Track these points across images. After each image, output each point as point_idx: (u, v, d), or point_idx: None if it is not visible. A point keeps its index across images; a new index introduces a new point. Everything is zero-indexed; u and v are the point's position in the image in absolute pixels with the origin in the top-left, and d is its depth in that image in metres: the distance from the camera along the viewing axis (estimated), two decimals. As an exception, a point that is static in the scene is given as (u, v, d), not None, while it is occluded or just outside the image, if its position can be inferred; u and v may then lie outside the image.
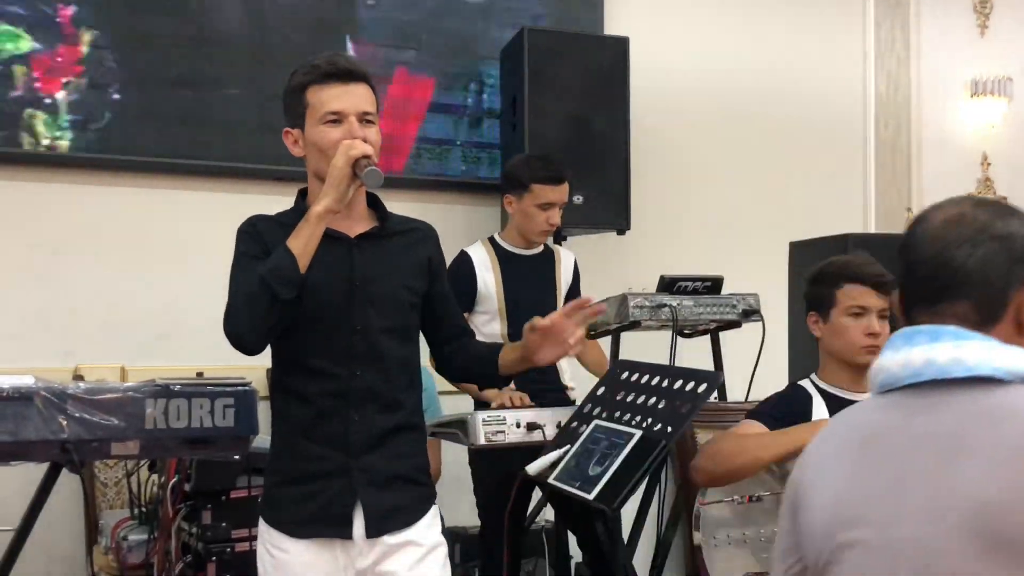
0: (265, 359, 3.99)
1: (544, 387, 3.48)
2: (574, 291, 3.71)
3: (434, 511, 2.30)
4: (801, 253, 3.96)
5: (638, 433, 2.35)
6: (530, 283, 3.56)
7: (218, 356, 3.93)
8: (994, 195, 5.62)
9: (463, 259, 3.61)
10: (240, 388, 2.49)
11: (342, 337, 2.20)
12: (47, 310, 3.85)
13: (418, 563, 2.21)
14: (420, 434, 2.34)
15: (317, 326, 2.19)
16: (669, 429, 2.31)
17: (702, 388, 2.36)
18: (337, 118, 2.17)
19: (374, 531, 2.17)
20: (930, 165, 5.48)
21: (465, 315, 3.48)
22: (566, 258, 3.76)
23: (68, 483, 2.44)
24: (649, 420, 2.40)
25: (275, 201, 4.03)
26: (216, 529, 3.01)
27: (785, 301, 3.94)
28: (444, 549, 2.30)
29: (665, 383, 2.48)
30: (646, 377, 2.56)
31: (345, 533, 2.17)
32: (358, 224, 2.27)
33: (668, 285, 3.09)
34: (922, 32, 5.47)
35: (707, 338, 3.53)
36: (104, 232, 3.96)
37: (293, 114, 2.24)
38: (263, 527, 2.25)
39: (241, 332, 2.12)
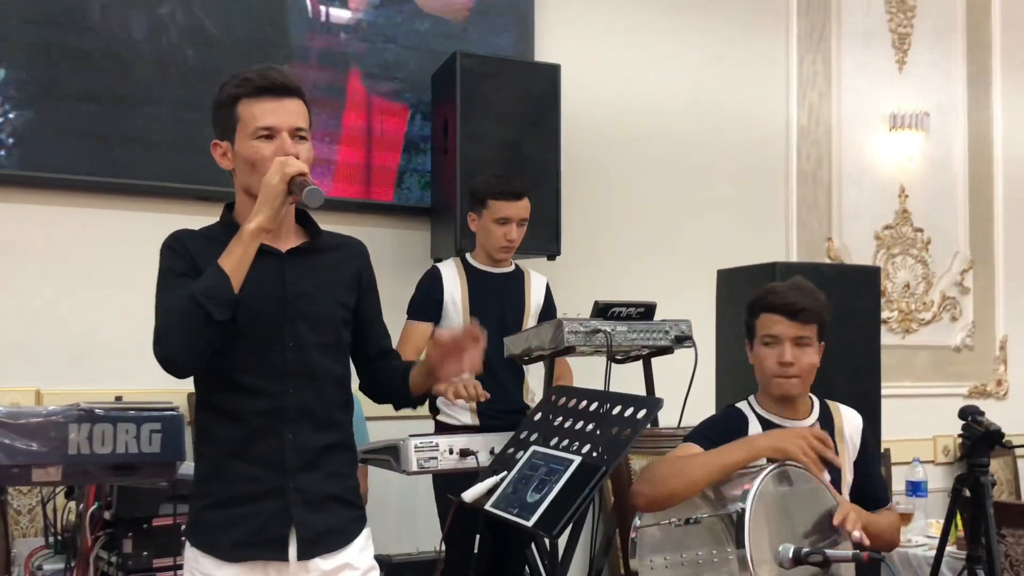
0: (188, 383, 3.95)
1: (502, 408, 3.48)
2: (547, 313, 3.76)
3: (367, 533, 2.25)
4: (729, 281, 4.01)
5: (577, 459, 2.34)
6: (497, 301, 3.59)
7: (137, 380, 3.89)
8: (911, 226, 5.77)
9: (433, 273, 3.68)
10: (167, 413, 2.43)
11: (275, 354, 2.13)
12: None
13: None
14: (353, 454, 2.28)
15: (248, 343, 2.11)
16: (608, 455, 2.29)
17: (641, 414, 2.35)
18: (269, 133, 2.11)
19: (307, 553, 2.12)
20: (850, 196, 5.59)
21: (432, 326, 3.53)
22: (536, 280, 3.80)
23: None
24: (588, 446, 2.39)
25: (198, 220, 3.87)
26: (138, 558, 2.92)
27: (713, 328, 3.98)
28: (377, 573, 2.26)
29: (604, 409, 2.47)
30: (584, 403, 2.54)
31: (280, 555, 2.10)
32: (288, 239, 2.21)
33: (602, 311, 3.09)
34: (843, 67, 5.59)
35: (638, 364, 3.52)
36: (19, 251, 3.84)
37: (223, 126, 2.17)
38: (190, 553, 2.15)
39: (173, 355, 2.02)
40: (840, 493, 2.62)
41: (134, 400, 2.53)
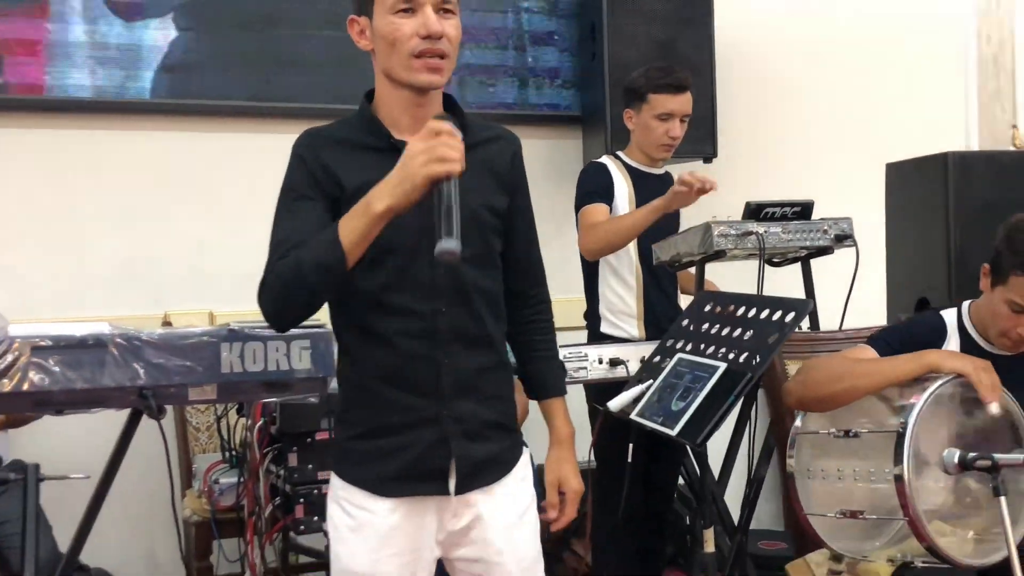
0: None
1: (670, 314, 3.39)
2: None
3: (525, 460, 2.09)
4: (898, 174, 3.80)
5: (722, 366, 2.25)
6: None
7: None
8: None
9: (599, 165, 3.50)
10: (316, 330, 2.45)
11: (422, 269, 1.91)
12: (133, 258, 3.87)
13: (513, 528, 2.02)
14: (509, 374, 2.09)
15: (394, 258, 1.90)
16: (755, 361, 2.20)
17: (790, 317, 2.24)
18: (410, 6, 1.85)
19: (466, 486, 1.96)
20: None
21: (608, 209, 3.36)
22: None
23: (159, 429, 2.42)
24: (734, 352, 2.30)
25: None
26: (303, 471, 2.99)
27: (882, 225, 3.79)
28: (535, 506, 2.10)
29: (751, 313, 2.37)
30: (731, 308, 2.45)
31: (441, 489, 1.95)
32: None
33: (754, 212, 2.95)
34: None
35: (797, 267, 3.38)
36: (185, 178, 3.95)
37: None
38: (337, 483, 2.02)
39: (269, 315, 1.88)
40: None
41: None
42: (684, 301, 3.65)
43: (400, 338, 1.93)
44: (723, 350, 2.35)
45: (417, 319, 1.93)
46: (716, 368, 2.26)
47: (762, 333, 2.28)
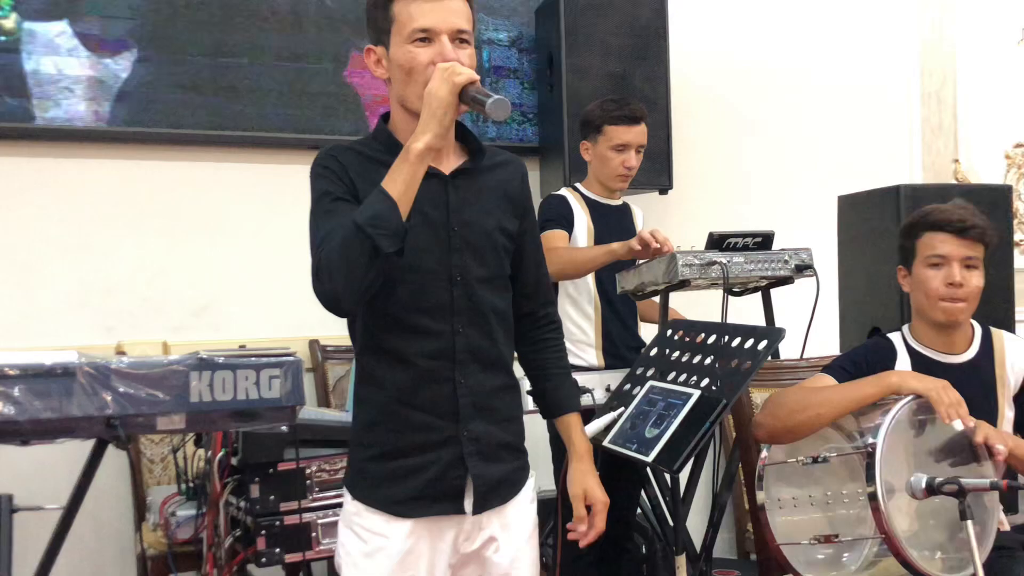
0: (307, 330, 4.01)
1: (629, 344, 3.50)
2: None
3: (532, 483, 2.12)
4: (851, 206, 3.87)
5: (696, 393, 2.28)
6: (615, 234, 3.41)
7: (259, 328, 3.99)
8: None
9: (559, 197, 3.54)
10: (286, 359, 2.42)
11: (441, 289, 1.95)
12: (86, 287, 3.82)
13: (520, 552, 2.05)
14: (520, 395, 2.13)
15: (413, 277, 1.94)
16: (729, 388, 2.23)
17: (762, 345, 2.27)
18: (427, 36, 1.89)
19: (481, 506, 1.99)
20: (977, 115, 5.33)
21: (568, 236, 3.42)
22: (638, 215, 3.72)
23: (115, 461, 2.40)
24: (707, 380, 2.32)
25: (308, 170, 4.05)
26: (265, 502, 2.96)
27: (834, 256, 3.86)
28: (537, 530, 2.14)
29: (723, 341, 2.40)
30: (701, 336, 2.48)
31: (458, 509, 1.97)
32: (450, 158, 2.01)
33: (717, 242, 3.00)
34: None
35: (757, 296, 3.43)
36: (139, 206, 3.91)
37: (376, 29, 1.97)
38: (351, 508, 2.02)
39: (335, 291, 1.83)
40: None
41: (256, 348, 2.53)
42: (643, 329, 3.69)
43: (419, 358, 1.96)
44: (695, 378, 2.37)
45: (435, 339, 1.96)
46: (690, 395, 2.29)
47: (734, 360, 2.31)
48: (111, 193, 3.87)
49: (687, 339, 2.52)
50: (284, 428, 2.77)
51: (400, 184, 1.82)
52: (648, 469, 3.16)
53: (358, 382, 2.07)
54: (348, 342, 3.90)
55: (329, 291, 1.85)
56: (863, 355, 2.61)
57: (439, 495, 1.97)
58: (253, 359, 2.40)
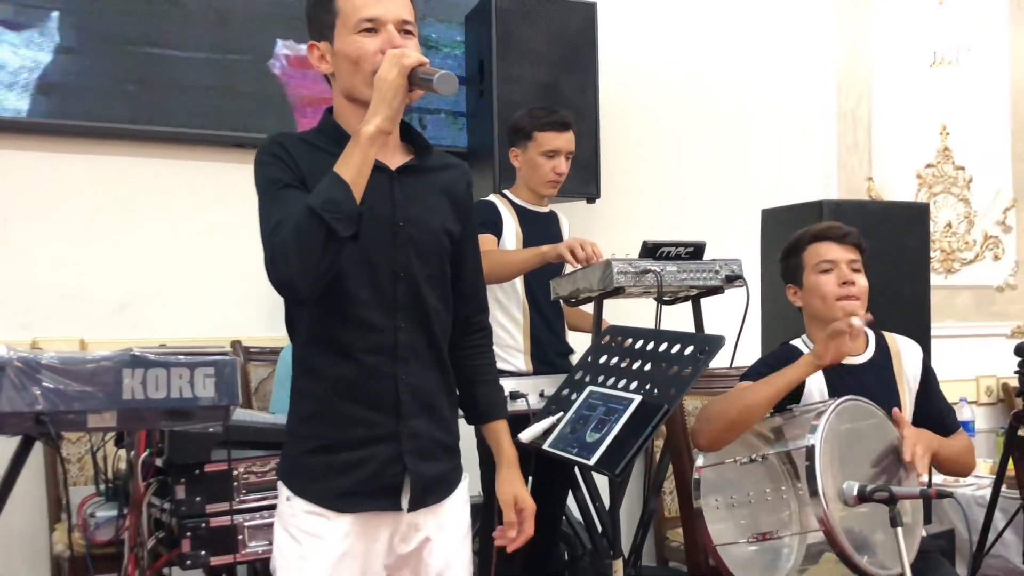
0: (230, 331, 3.94)
1: (557, 350, 3.53)
2: None
3: (465, 484, 2.13)
4: (774, 220, 3.96)
5: (637, 398, 2.30)
6: (544, 241, 3.43)
7: (180, 328, 3.91)
8: (953, 164, 5.67)
9: (488, 203, 3.55)
10: (221, 357, 2.38)
11: (385, 284, 1.95)
12: (1, 282, 3.70)
13: (454, 553, 2.06)
14: (455, 396, 2.13)
15: (357, 270, 1.92)
16: (670, 393, 2.26)
17: (702, 351, 2.31)
18: (373, 26, 1.90)
19: (417, 503, 1.98)
20: (890, 134, 5.49)
21: (496, 241, 3.43)
22: (564, 222, 3.75)
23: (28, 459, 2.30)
24: (647, 385, 2.35)
25: (235, 168, 3.99)
26: (191, 504, 2.89)
27: (757, 268, 3.93)
28: (471, 531, 2.15)
29: (661, 348, 2.43)
30: (640, 342, 2.51)
31: (394, 505, 1.96)
32: (396, 155, 2.01)
33: (651, 251, 3.04)
34: (881, 1, 5.46)
35: (682, 305, 3.48)
36: (58, 200, 3.82)
37: (320, 24, 1.96)
38: (287, 508, 1.99)
39: (292, 278, 1.81)
40: None
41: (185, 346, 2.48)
42: (570, 336, 3.72)
43: (360, 353, 1.94)
44: (635, 383, 2.40)
45: (377, 334, 1.95)
46: (631, 400, 2.31)
47: (674, 367, 2.34)
48: (27, 186, 3.77)
49: (625, 345, 2.55)
50: (215, 428, 2.75)
51: (352, 168, 1.81)
52: (578, 473, 3.18)
53: (297, 374, 2.04)
54: (271, 344, 3.97)
55: (285, 278, 1.83)
56: (775, 359, 2.73)
57: (376, 491, 1.96)
58: (187, 357, 2.36)
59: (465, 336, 2.16)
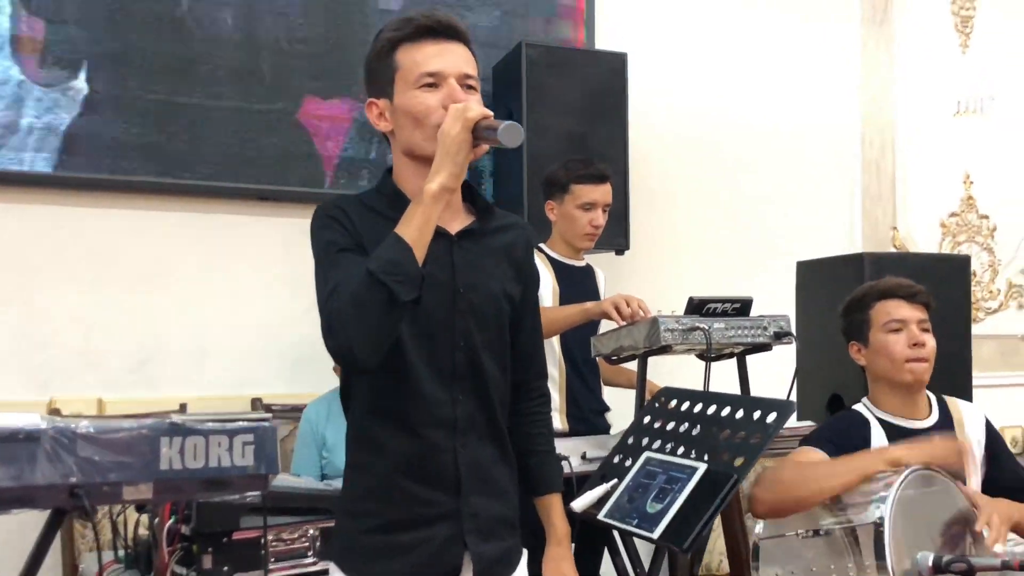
0: (250, 388, 3.85)
1: (594, 408, 3.46)
2: None
3: (524, 562, 2.03)
4: (810, 273, 3.87)
5: (702, 466, 2.18)
6: (581, 296, 3.36)
7: (199, 386, 3.80)
8: (977, 213, 5.60)
9: None
10: (260, 424, 2.28)
11: (444, 354, 1.86)
12: (18, 339, 3.61)
13: None
14: (515, 467, 2.01)
15: (417, 340, 1.83)
16: (738, 462, 2.14)
17: (771, 417, 2.20)
18: (435, 80, 1.83)
19: None
20: (914, 184, 5.42)
21: None
22: (600, 274, 3.66)
23: (40, 524, 2.19)
24: (710, 452, 2.23)
25: (257, 221, 3.91)
26: (218, 574, 2.79)
27: (792, 320, 3.84)
28: None
29: (724, 412, 2.32)
30: (699, 406, 2.39)
31: None
32: (456, 217, 1.92)
33: (697, 307, 2.94)
34: (905, 52, 5.42)
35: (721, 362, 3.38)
36: (76, 256, 3.73)
37: (379, 80, 1.89)
38: None
39: (351, 345, 1.71)
40: None
41: (231, 412, 2.36)
42: (606, 393, 3.62)
43: (422, 427, 1.86)
44: (695, 449, 2.28)
45: (437, 406, 1.87)
46: (695, 469, 2.19)
47: (741, 433, 2.23)
48: (45, 241, 3.68)
49: (682, 408, 2.44)
50: (253, 498, 2.63)
51: (415, 229, 1.73)
52: (618, 537, 3.06)
53: (355, 447, 1.95)
54: (292, 400, 3.84)
55: (344, 346, 1.73)
56: (842, 427, 2.64)
57: (436, 573, 1.87)
58: (226, 424, 2.25)
59: (523, 403, 2.07)
